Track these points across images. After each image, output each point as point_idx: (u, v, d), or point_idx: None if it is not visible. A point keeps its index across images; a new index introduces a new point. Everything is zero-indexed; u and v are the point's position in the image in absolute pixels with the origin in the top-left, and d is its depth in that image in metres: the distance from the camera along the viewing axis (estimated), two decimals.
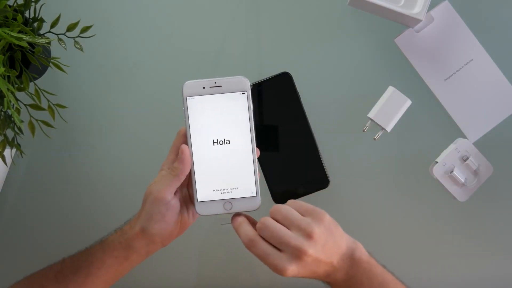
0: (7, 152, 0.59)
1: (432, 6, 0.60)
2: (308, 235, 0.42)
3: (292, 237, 0.42)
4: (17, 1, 0.55)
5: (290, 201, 0.45)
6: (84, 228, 0.67)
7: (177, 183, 0.47)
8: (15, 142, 0.58)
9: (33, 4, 0.55)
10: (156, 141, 0.65)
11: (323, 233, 0.43)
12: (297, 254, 0.41)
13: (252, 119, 0.47)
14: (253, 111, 0.48)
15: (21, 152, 0.59)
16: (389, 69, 0.63)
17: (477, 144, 0.62)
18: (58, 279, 0.49)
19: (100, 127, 0.66)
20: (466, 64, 0.61)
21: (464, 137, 0.62)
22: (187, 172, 0.47)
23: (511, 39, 0.63)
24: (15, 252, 0.68)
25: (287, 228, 0.43)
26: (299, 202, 0.45)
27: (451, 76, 0.61)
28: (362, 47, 0.64)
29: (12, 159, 0.64)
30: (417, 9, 0.58)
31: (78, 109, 0.65)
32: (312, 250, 0.42)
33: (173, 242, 0.49)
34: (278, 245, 0.42)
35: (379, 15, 0.60)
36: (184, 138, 0.48)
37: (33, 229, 0.67)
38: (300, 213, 0.44)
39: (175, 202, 0.47)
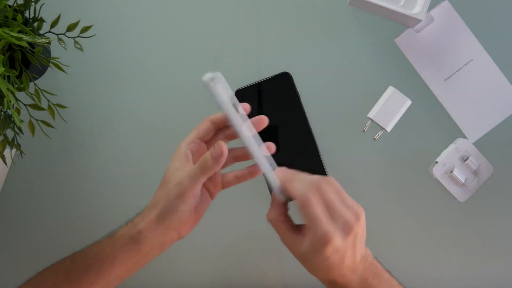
0: (7, 152, 0.59)
1: (432, 6, 0.60)
2: (357, 217, 0.39)
3: (346, 210, 0.39)
4: (17, 1, 0.55)
5: (330, 181, 0.41)
6: (84, 228, 0.67)
7: (205, 179, 0.43)
8: (15, 142, 0.58)
9: (33, 4, 0.55)
10: (157, 141, 0.65)
11: (364, 223, 0.40)
12: (346, 229, 0.38)
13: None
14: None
15: (21, 152, 0.59)
16: (389, 69, 0.63)
17: (477, 144, 0.62)
18: (69, 277, 0.46)
19: (100, 127, 0.66)
20: (466, 64, 0.61)
21: (464, 137, 0.62)
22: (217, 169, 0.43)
23: (511, 39, 0.63)
24: (15, 252, 0.68)
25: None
26: (339, 188, 0.41)
27: (451, 76, 0.61)
28: (362, 47, 0.64)
29: (12, 159, 0.64)
30: (417, 9, 0.58)
31: (78, 109, 0.65)
32: (357, 232, 0.39)
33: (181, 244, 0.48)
34: (332, 212, 0.38)
35: (379, 15, 0.60)
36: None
37: (33, 229, 0.67)
38: (341, 197, 0.41)
39: (197, 193, 0.44)
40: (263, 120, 0.45)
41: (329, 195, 0.39)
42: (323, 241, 0.37)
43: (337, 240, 0.37)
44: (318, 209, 0.38)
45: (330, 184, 0.40)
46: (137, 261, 0.45)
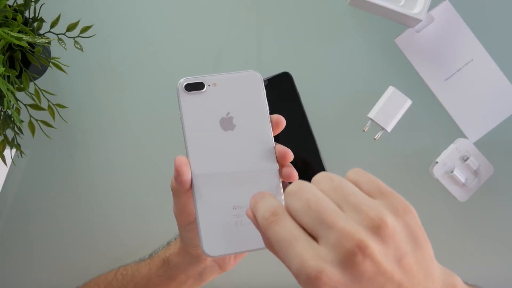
0: (7, 152, 0.59)
1: (432, 6, 0.60)
2: (375, 226, 0.24)
3: (343, 219, 0.24)
4: (17, 1, 0.55)
5: (353, 170, 0.28)
6: (84, 228, 0.67)
7: (184, 202, 0.37)
8: (15, 142, 0.58)
9: (33, 4, 0.55)
10: (157, 141, 0.65)
11: (402, 235, 0.24)
12: (346, 250, 0.23)
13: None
14: None
15: (21, 152, 0.59)
16: (389, 69, 0.63)
17: (477, 144, 0.62)
18: None
19: (100, 127, 0.66)
20: (466, 64, 0.61)
21: (465, 137, 0.62)
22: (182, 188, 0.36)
23: (511, 39, 0.63)
24: (15, 252, 0.68)
25: (337, 205, 0.25)
26: (368, 175, 0.28)
27: (451, 76, 0.61)
28: (362, 47, 0.64)
29: (12, 159, 0.64)
30: (417, 9, 0.58)
31: (78, 109, 0.65)
32: (378, 253, 0.23)
33: None
34: (315, 228, 0.24)
35: (380, 15, 0.60)
36: None
37: (33, 229, 0.67)
38: (365, 191, 0.26)
39: (189, 219, 0.39)
40: (280, 122, 0.37)
41: (309, 199, 0.25)
42: (307, 274, 0.23)
43: (330, 270, 0.23)
44: (288, 228, 0.25)
45: (321, 182, 0.27)
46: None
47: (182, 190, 0.35)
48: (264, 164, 0.36)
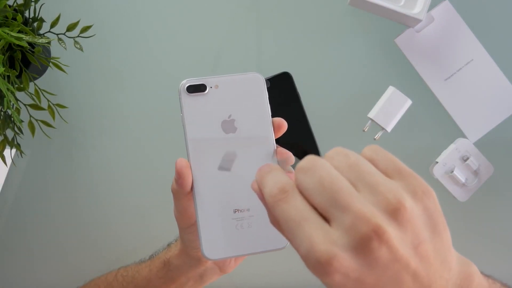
0: (7, 152, 0.59)
1: (432, 6, 0.60)
2: (392, 209, 0.22)
3: (359, 200, 0.22)
4: (17, 1, 0.55)
5: (370, 147, 0.26)
6: (84, 228, 0.67)
7: (185, 204, 0.37)
8: (15, 142, 0.58)
9: (33, 4, 0.55)
10: (157, 141, 0.65)
11: (421, 220, 0.23)
12: (361, 234, 0.21)
13: None
14: None
15: (21, 152, 0.59)
16: (389, 69, 0.63)
17: (477, 144, 0.62)
18: None
19: (100, 127, 0.66)
20: (466, 64, 0.61)
21: (465, 137, 0.62)
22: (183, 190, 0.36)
23: (511, 39, 0.63)
24: (15, 252, 0.68)
25: (352, 185, 0.23)
26: (386, 152, 0.26)
27: (451, 76, 0.61)
28: (362, 47, 0.64)
29: (12, 159, 0.64)
30: (417, 9, 0.58)
31: (78, 109, 0.65)
32: (395, 239, 0.21)
33: None
34: (328, 209, 0.22)
35: (380, 15, 0.60)
36: None
37: (33, 229, 0.67)
38: (382, 170, 0.24)
39: (189, 221, 0.38)
40: (282, 125, 0.37)
41: (323, 176, 0.23)
42: (318, 258, 0.21)
43: (342, 255, 0.21)
44: (298, 207, 0.23)
45: (335, 158, 0.25)
46: None
47: (183, 193, 0.35)
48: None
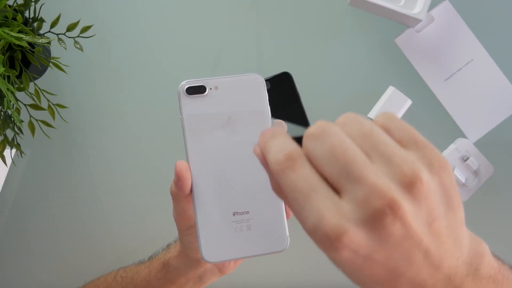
0: (7, 152, 0.59)
1: (432, 6, 0.60)
2: (408, 182, 0.21)
3: (374, 172, 0.20)
4: (17, 1, 0.55)
5: (384, 114, 0.24)
6: (84, 229, 0.67)
7: (184, 206, 0.37)
8: (15, 142, 0.58)
9: (33, 4, 0.55)
10: (157, 141, 0.65)
11: (436, 194, 0.21)
12: (375, 209, 0.20)
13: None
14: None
15: (21, 152, 0.59)
16: (389, 69, 0.63)
17: (477, 144, 0.62)
18: None
19: (100, 127, 0.66)
20: (466, 64, 0.61)
21: (464, 137, 0.62)
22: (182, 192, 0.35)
23: (511, 39, 0.63)
24: (15, 252, 0.68)
25: (365, 155, 0.22)
26: (401, 121, 0.24)
27: (451, 76, 0.61)
28: (362, 47, 0.64)
29: (12, 159, 0.64)
30: (417, 9, 0.58)
31: (78, 109, 0.65)
32: (410, 214, 0.20)
33: None
34: (340, 180, 0.21)
35: (380, 15, 0.60)
36: None
37: (33, 229, 0.67)
38: (397, 140, 0.23)
39: (188, 222, 0.38)
40: (282, 127, 0.37)
41: (335, 145, 0.21)
42: (327, 232, 0.20)
43: (353, 230, 0.20)
44: (307, 176, 0.21)
45: (347, 124, 0.23)
46: None
47: (182, 195, 0.35)
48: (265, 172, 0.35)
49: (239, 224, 0.34)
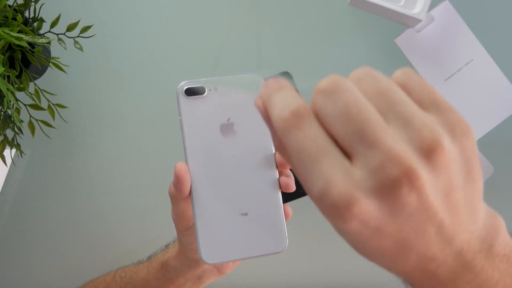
0: (7, 152, 0.59)
1: (432, 6, 0.60)
2: (428, 149, 0.18)
3: (391, 135, 0.18)
4: (17, 1, 0.55)
5: (403, 70, 0.22)
6: (84, 228, 0.67)
7: (182, 208, 0.37)
8: (15, 142, 0.58)
9: (32, 4, 0.55)
10: (156, 141, 0.65)
11: (457, 163, 0.20)
12: (390, 178, 0.18)
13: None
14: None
15: (21, 152, 0.59)
16: (389, 69, 0.63)
17: (477, 144, 0.62)
18: None
19: (100, 127, 0.66)
20: (466, 64, 0.61)
21: None
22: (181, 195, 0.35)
23: (511, 39, 0.63)
24: (15, 252, 0.68)
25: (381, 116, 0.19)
26: (421, 79, 0.21)
27: (451, 76, 0.61)
28: (362, 47, 0.64)
29: (12, 159, 0.64)
30: (417, 9, 0.58)
31: (78, 109, 0.65)
32: (428, 185, 0.18)
33: None
34: (352, 143, 0.19)
35: (380, 15, 0.60)
36: None
37: (33, 229, 0.67)
38: (416, 100, 0.20)
39: (187, 223, 0.38)
40: None
41: (347, 101, 0.19)
42: (335, 199, 0.18)
43: (364, 197, 0.18)
44: (315, 135, 0.19)
45: (362, 81, 0.21)
46: None
47: (181, 197, 0.34)
48: (264, 172, 0.35)
49: (238, 225, 0.34)
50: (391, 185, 0.18)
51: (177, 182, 0.33)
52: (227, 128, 0.35)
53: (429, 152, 0.18)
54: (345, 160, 0.19)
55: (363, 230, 0.19)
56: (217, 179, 0.35)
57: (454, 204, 0.19)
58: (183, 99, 0.35)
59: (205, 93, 0.36)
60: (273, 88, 0.21)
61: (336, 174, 0.18)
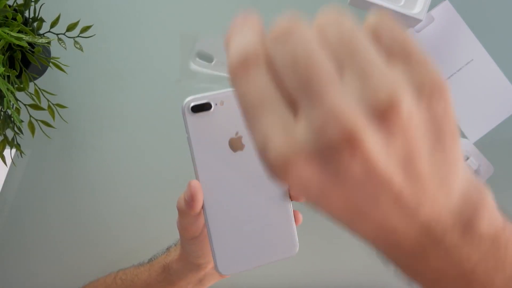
0: (7, 152, 0.59)
1: (432, 6, 0.60)
2: (381, 108, 0.16)
3: (337, 89, 0.16)
4: (17, 1, 0.55)
5: (378, 13, 0.18)
6: (84, 229, 0.67)
7: (190, 222, 0.37)
8: (15, 142, 0.58)
9: (32, 4, 0.55)
10: (157, 141, 0.65)
11: (421, 127, 0.17)
12: (329, 139, 0.15)
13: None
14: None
15: (21, 152, 0.59)
16: None
17: (477, 144, 0.62)
18: None
19: (100, 127, 0.66)
20: (466, 64, 0.61)
21: (464, 137, 0.62)
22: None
23: (511, 39, 0.63)
24: (15, 252, 0.68)
25: (336, 65, 0.17)
26: (396, 26, 0.18)
27: (451, 76, 0.61)
28: None
29: (12, 159, 0.64)
30: (417, 9, 0.58)
31: (78, 109, 0.65)
32: (375, 151, 0.16)
33: None
34: (297, 95, 0.16)
35: None
36: None
37: (33, 229, 0.67)
38: (384, 48, 0.17)
39: (193, 234, 0.38)
40: None
41: (295, 43, 0.17)
42: (275, 156, 0.16)
43: (300, 160, 0.16)
44: (261, 83, 0.17)
45: (324, 23, 0.18)
46: None
47: (192, 214, 0.34)
48: (274, 184, 0.35)
49: (251, 235, 0.35)
50: (331, 149, 0.15)
51: (191, 200, 0.33)
52: (236, 142, 0.35)
53: (381, 113, 0.15)
54: (290, 115, 0.16)
55: (307, 194, 0.17)
56: (228, 193, 0.35)
57: (417, 173, 0.17)
58: (190, 117, 0.34)
59: (212, 109, 0.35)
60: (234, 28, 0.18)
61: (276, 131, 0.16)
